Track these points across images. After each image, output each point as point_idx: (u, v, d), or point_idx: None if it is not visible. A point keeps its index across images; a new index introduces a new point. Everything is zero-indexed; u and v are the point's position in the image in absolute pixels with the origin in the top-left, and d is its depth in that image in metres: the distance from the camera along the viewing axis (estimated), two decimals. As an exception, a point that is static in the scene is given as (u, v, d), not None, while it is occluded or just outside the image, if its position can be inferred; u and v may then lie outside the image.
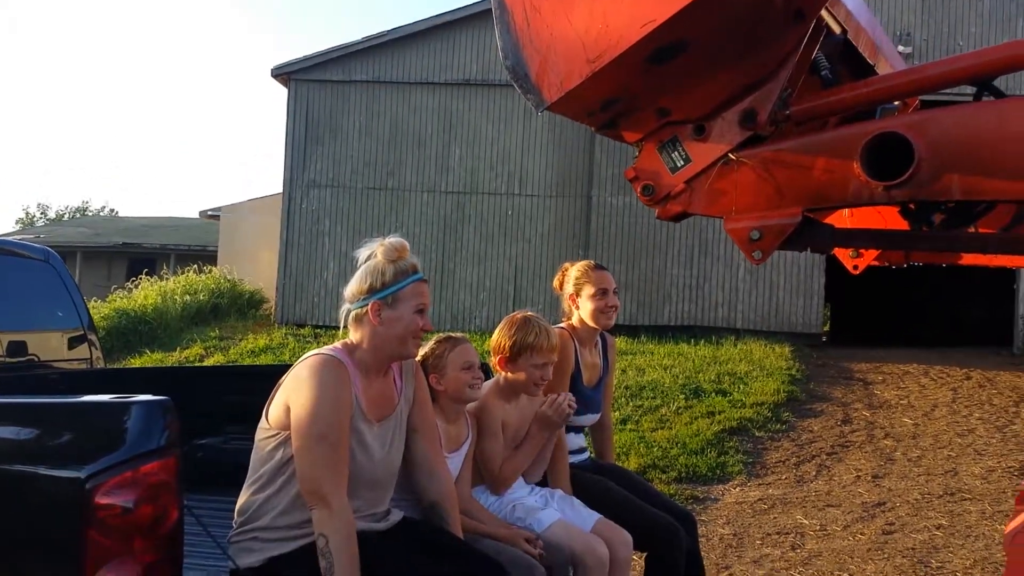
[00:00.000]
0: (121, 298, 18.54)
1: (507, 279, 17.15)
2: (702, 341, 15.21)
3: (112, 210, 57.42)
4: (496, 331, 3.56)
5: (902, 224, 2.90)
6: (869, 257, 3.54)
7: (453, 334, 3.35)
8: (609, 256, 16.04)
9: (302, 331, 16.64)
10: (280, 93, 18.07)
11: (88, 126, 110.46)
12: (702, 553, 4.09)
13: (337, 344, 2.86)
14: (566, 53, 2.32)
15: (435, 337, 3.33)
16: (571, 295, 3.98)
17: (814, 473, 8.36)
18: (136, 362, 14.47)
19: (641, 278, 16.46)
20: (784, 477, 8.22)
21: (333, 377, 2.68)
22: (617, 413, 9.96)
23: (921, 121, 2.26)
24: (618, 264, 16.01)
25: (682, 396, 11.02)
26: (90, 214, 54.97)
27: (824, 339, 18.83)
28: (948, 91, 2.48)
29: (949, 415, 10.76)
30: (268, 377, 2.95)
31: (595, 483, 3.81)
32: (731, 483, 8.01)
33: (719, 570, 5.70)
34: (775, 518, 6.95)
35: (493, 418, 3.46)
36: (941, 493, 7.63)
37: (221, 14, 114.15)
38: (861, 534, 6.52)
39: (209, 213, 27.03)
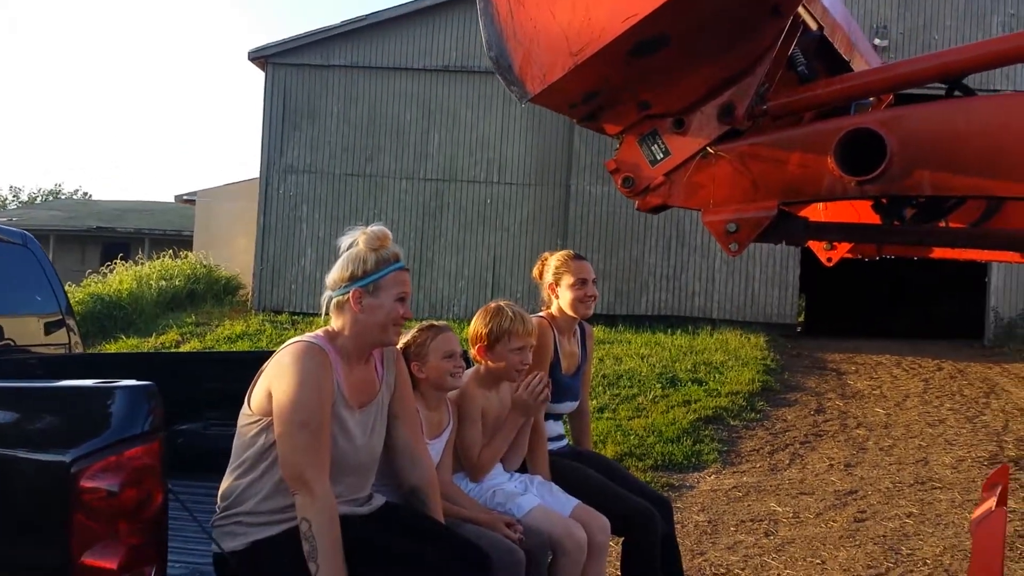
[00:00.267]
0: (96, 283, 18.42)
1: (486, 267, 17.17)
2: (679, 331, 15.33)
3: (86, 193, 56.97)
4: (472, 321, 3.60)
5: (875, 218, 2.95)
6: (842, 250, 3.60)
7: (436, 322, 3.38)
8: (587, 245, 16.11)
9: (279, 318, 16.60)
10: (257, 77, 17.97)
11: (62, 110, 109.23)
12: (678, 539, 4.16)
13: (319, 331, 2.88)
14: (549, 46, 2.35)
15: (418, 325, 3.36)
16: (551, 284, 4.03)
17: (788, 461, 8.47)
18: (112, 347, 14.39)
19: (619, 267, 16.54)
20: (758, 465, 8.33)
21: (315, 364, 2.71)
22: (594, 402, 10.03)
23: (893, 117, 2.31)
24: (596, 253, 16.08)
25: (659, 385, 11.11)
26: (63, 197, 54.43)
27: (799, 330, 19.03)
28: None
29: (921, 405, 10.92)
30: (246, 364, 2.97)
31: (573, 469, 3.87)
32: (706, 471, 8.10)
33: (694, 556, 5.78)
34: (749, 505, 7.04)
35: (473, 406, 3.50)
36: (912, 482, 7.75)
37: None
38: (833, 521, 6.62)
39: (184, 197, 26.85)
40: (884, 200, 2.75)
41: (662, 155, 2.55)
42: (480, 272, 17.17)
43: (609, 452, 8.15)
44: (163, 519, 2.38)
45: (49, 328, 4.92)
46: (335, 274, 2.89)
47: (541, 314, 4.03)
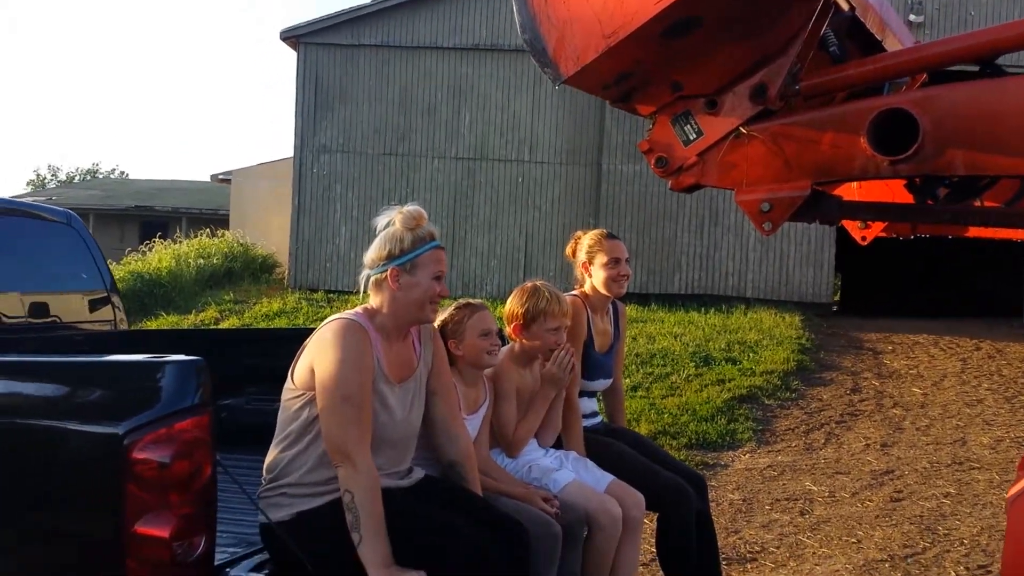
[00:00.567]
0: (135, 261, 18.69)
1: (517, 247, 17.20)
2: (712, 310, 15.28)
3: (123, 172, 57.51)
4: (508, 300, 3.65)
5: (908, 197, 2.96)
6: (877, 228, 3.60)
7: (472, 301, 3.43)
8: (619, 224, 16.07)
9: (315, 295, 16.76)
10: (290, 56, 18.06)
11: (98, 88, 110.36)
12: (712, 517, 4.20)
13: (358, 308, 2.95)
14: (582, 28, 2.39)
15: (454, 303, 3.42)
16: (584, 263, 4.06)
17: (823, 441, 8.47)
18: (152, 324, 14.63)
19: (651, 246, 16.50)
20: (793, 444, 8.33)
21: (355, 340, 2.78)
22: (628, 380, 10.06)
23: (926, 97, 2.32)
24: (629, 232, 16.04)
25: (692, 364, 11.11)
26: (100, 176, 55.03)
27: (834, 309, 18.88)
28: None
29: (958, 385, 10.84)
30: (286, 340, 3.04)
31: (608, 446, 3.91)
32: (741, 450, 8.12)
33: (729, 534, 5.82)
34: (784, 484, 7.06)
35: (509, 383, 3.56)
36: (949, 462, 7.72)
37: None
38: (869, 501, 6.63)
39: (220, 177, 27.08)
40: (917, 180, 2.77)
41: (695, 135, 2.59)
42: (512, 251, 17.20)
43: (643, 430, 8.19)
44: (212, 490, 2.46)
45: (94, 305, 5.02)
46: (372, 253, 2.95)
47: (574, 292, 4.07)
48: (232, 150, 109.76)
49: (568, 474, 3.53)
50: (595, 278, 4.03)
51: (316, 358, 2.79)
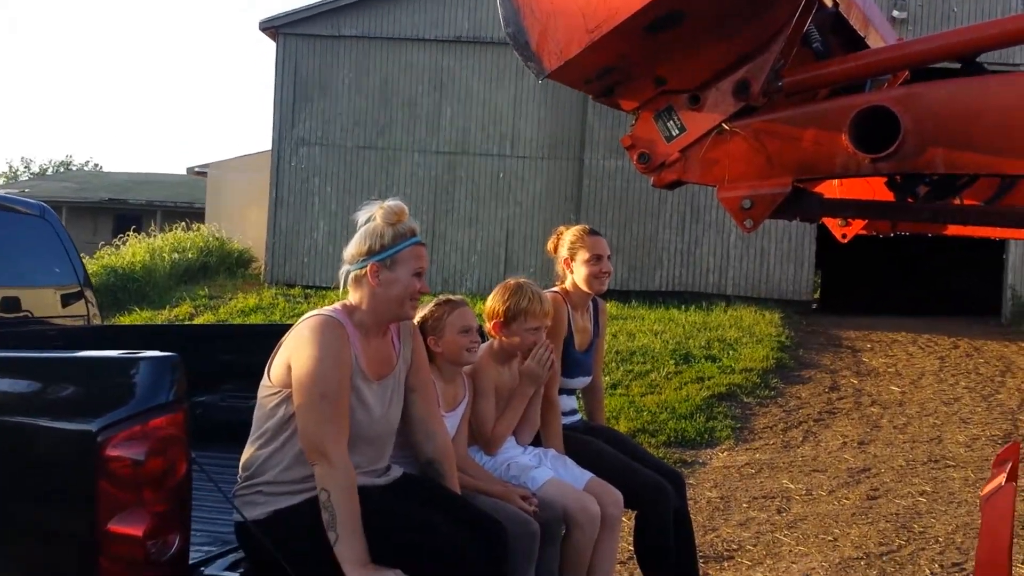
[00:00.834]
0: (109, 255, 18.47)
1: (498, 242, 17.17)
2: (692, 307, 15.33)
3: (96, 164, 56.97)
4: (490, 297, 3.63)
5: (889, 195, 2.96)
6: (857, 226, 3.60)
7: (452, 297, 3.41)
8: (601, 220, 16.07)
9: (292, 291, 16.67)
10: (269, 47, 17.93)
11: (72, 79, 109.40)
12: (690, 515, 4.19)
13: (337, 305, 2.92)
14: (566, 22, 2.37)
15: (434, 300, 3.40)
16: (565, 259, 4.05)
17: (801, 439, 8.50)
18: (125, 319, 14.50)
19: (633, 243, 16.52)
20: (771, 442, 8.36)
21: (333, 336, 2.76)
22: (607, 378, 10.07)
23: (908, 95, 2.32)
24: (610, 228, 16.05)
25: (672, 361, 11.14)
26: (74, 168, 54.50)
27: (814, 306, 18.98)
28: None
29: (936, 383, 10.92)
30: (262, 337, 3.01)
31: (586, 443, 3.90)
32: (719, 447, 8.15)
33: (706, 532, 5.83)
34: (762, 482, 7.08)
35: (487, 380, 3.54)
36: (925, 460, 7.78)
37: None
38: (846, 499, 6.66)
39: (196, 169, 26.90)
40: (898, 178, 2.76)
41: (677, 131, 2.57)
42: (492, 247, 17.16)
43: (622, 428, 8.20)
44: (187, 488, 2.43)
45: (67, 300, 4.96)
46: (352, 248, 2.92)
47: (555, 289, 4.05)
48: (209, 143, 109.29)
49: (546, 472, 3.51)
50: (576, 274, 4.02)
51: (293, 355, 2.76)
